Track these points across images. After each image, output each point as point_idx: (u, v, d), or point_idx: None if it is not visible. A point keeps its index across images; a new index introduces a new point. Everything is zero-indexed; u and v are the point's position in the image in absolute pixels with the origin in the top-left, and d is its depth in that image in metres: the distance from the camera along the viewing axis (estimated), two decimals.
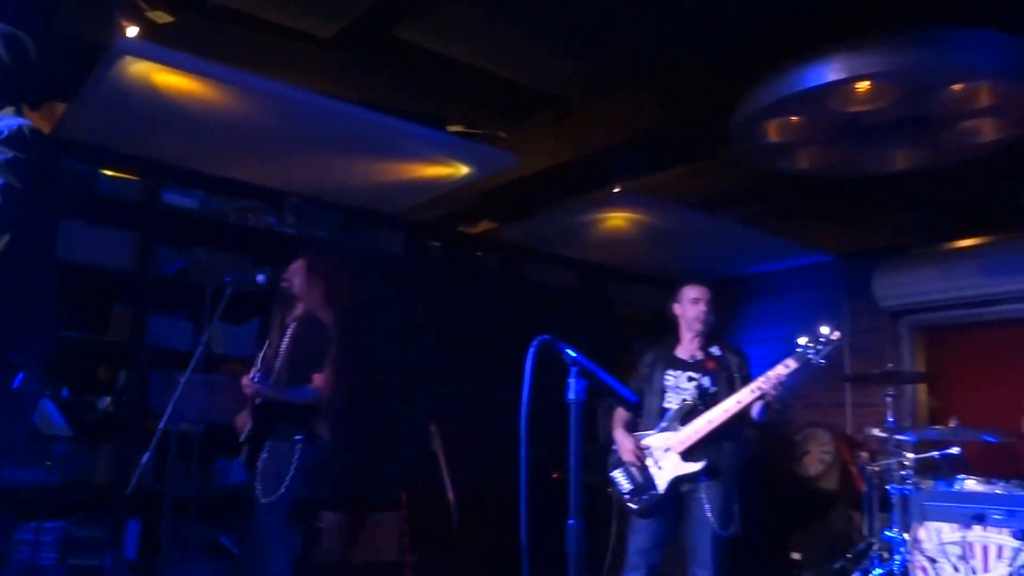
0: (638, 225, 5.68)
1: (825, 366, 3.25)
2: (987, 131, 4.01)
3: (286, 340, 3.72)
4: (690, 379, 3.49)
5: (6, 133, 2.16)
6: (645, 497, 3.42)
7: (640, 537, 3.45)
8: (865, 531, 4.75)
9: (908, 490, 4.06)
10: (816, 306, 6.47)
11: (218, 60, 3.74)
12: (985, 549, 3.45)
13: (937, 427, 4.30)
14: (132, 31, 3.57)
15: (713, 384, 3.45)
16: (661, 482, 3.41)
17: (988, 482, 3.68)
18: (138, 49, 3.54)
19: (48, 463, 4.10)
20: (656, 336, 4.01)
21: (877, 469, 4.54)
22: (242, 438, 3.72)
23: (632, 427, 3.60)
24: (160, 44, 3.57)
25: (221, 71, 3.75)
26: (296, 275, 3.80)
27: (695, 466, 3.35)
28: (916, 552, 3.69)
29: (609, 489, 3.56)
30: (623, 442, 3.53)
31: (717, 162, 4.91)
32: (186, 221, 4.86)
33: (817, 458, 5.89)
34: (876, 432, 4.48)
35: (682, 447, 3.37)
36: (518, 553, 2.19)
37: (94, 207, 4.61)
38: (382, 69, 4.21)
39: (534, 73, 4.21)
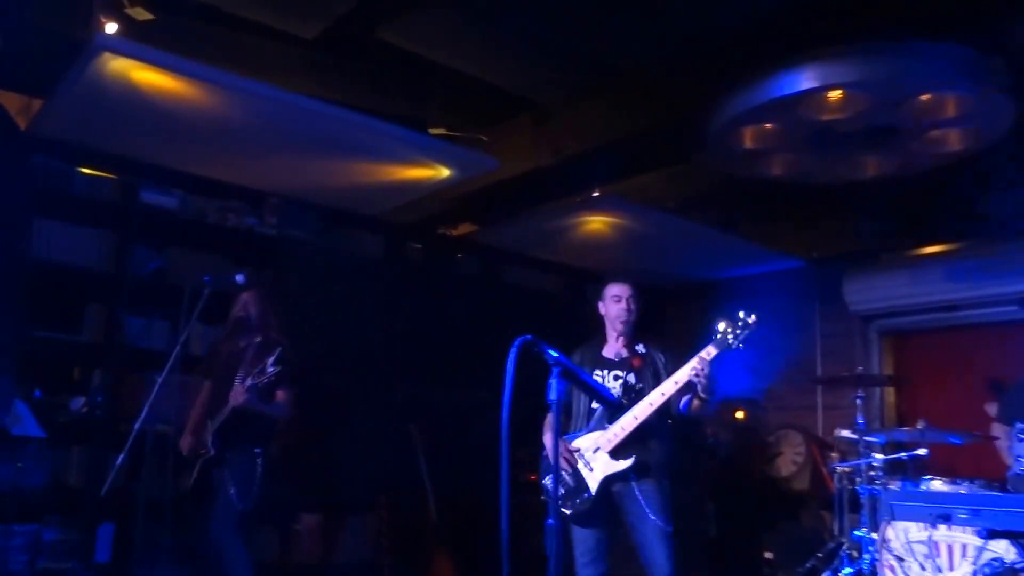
0: (616, 229, 5.74)
1: (743, 350, 3.17)
2: (953, 141, 4.14)
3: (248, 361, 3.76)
4: (616, 377, 3.43)
5: None
6: (578, 501, 3.34)
7: (583, 548, 3.36)
8: (835, 530, 4.83)
9: (877, 490, 4.15)
10: (788, 310, 6.55)
11: (199, 59, 3.72)
12: (950, 548, 3.52)
13: (905, 429, 4.40)
14: (111, 28, 3.54)
15: (638, 381, 3.40)
16: (593, 483, 3.33)
17: (953, 482, 3.77)
18: (117, 46, 3.50)
19: (19, 465, 4.03)
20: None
21: (847, 470, 4.61)
22: (210, 454, 3.71)
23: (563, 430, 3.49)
24: (140, 41, 3.54)
25: (202, 70, 3.73)
26: (251, 305, 3.91)
27: (624, 464, 3.28)
28: (884, 551, 3.76)
29: (542, 496, 3.47)
30: (549, 446, 3.42)
31: (693, 167, 4.99)
32: (164, 221, 4.81)
33: (790, 459, 5.99)
34: (846, 433, 4.55)
35: (610, 446, 3.31)
36: (497, 554, 2.19)
37: (70, 206, 4.55)
38: (364, 71, 4.22)
39: (514, 77, 4.24)
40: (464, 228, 6.16)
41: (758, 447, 6.19)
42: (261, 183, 5.11)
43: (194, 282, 3.68)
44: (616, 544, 3.43)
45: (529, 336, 2.21)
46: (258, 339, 3.82)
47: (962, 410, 5.09)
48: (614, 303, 3.52)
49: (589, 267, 6.65)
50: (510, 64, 4.10)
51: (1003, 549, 3.29)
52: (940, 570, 3.51)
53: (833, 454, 5.23)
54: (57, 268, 4.43)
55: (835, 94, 3.74)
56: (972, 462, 4.80)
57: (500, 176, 4.92)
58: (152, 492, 3.58)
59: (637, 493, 3.30)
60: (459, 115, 4.68)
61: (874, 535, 4.00)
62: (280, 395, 3.80)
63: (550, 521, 2.25)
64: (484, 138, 4.81)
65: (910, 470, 4.17)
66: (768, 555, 5.56)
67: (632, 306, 3.50)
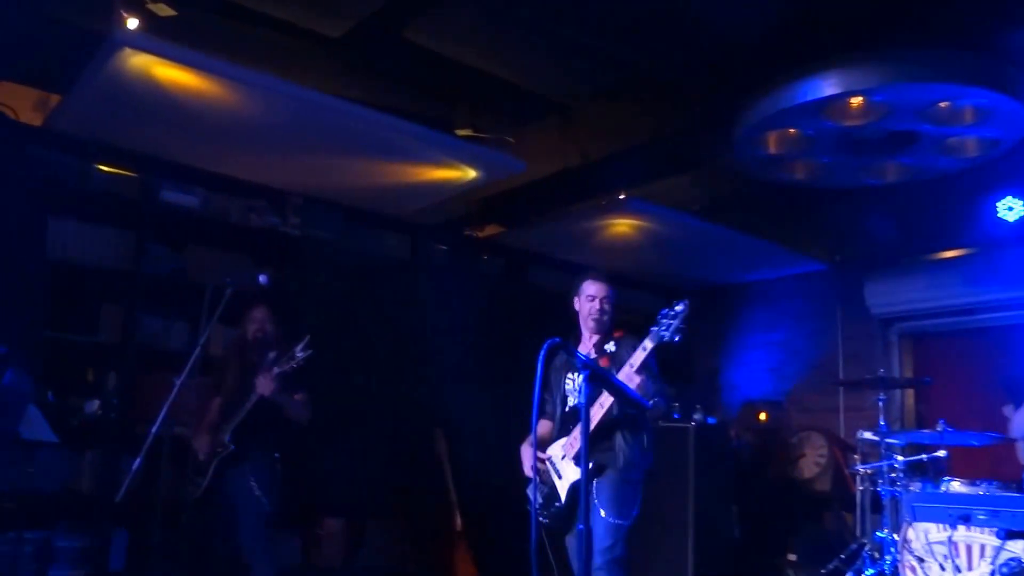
0: (641, 231, 5.74)
1: (679, 341, 2.95)
2: (971, 147, 4.19)
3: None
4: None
5: None
6: (553, 510, 3.26)
7: (572, 554, 3.26)
8: (857, 532, 4.86)
9: (898, 492, 4.18)
10: (810, 313, 6.60)
11: (222, 56, 3.63)
12: (969, 548, 3.56)
13: (925, 430, 4.42)
14: (132, 23, 3.45)
15: None
16: (562, 491, 3.24)
17: (972, 483, 3.79)
18: (138, 41, 3.41)
19: (30, 469, 3.91)
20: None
21: (869, 472, 4.63)
22: (228, 450, 3.64)
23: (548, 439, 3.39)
24: (162, 37, 3.46)
25: (225, 67, 3.63)
26: (267, 323, 3.86)
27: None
28: (905, 552, 3.79)
29: (527, 506, 3.35)
30: (524, 457, 3.33)
31: (717, 171, 5.03)
32: (184, 219, 4.71)
33: (813, 461, 6.02)
34: (868, 435, 4.58)
35: (573, 451, 3.21)
36: (521, 557, 2.20)
37: (87, 203, 4.42)
38: (390, 70, 4.18)
39: (542, 79, 4.24)
40: (490, 230, 6.15)
41: (781, 449, 6.21)
42: (284, 182, 5.01)
43: (215, 282, 3.56)
44: None
45: (558, 339, 2.21)
46: (274, 354, 3.71)
47: (979, 412, 5.10)
48: (588, 301, 3.36)
49: (614, 269, 6.68)
50: (538, 66, 4.09)
51: (1020, 549, 3.33)
52: (959, 570, 3.54)
53: (855, 456, 5.24)
54: (73, 267, 4.30)
55: (857, 100, 3.80)
56: (988, 463, 4.81)
57: (526, 178, 4.95)
58: (169, 498, 3.47)
59: (595, 494, 3.15)
60: (486, 116, 4.65)
61: (895, 536, 4.03)
62: (299, 397, 3.76)
63: (580, 526, 2.28)
64: (511, 140, 4.80)
65: (930, 471, 4.20)
66: (791, 556, 5.58)
67: (606, 307, 3.33)
